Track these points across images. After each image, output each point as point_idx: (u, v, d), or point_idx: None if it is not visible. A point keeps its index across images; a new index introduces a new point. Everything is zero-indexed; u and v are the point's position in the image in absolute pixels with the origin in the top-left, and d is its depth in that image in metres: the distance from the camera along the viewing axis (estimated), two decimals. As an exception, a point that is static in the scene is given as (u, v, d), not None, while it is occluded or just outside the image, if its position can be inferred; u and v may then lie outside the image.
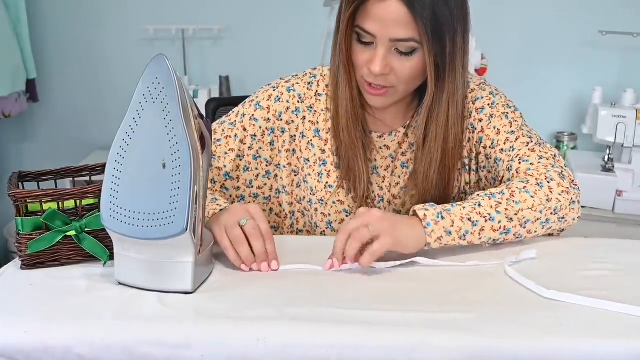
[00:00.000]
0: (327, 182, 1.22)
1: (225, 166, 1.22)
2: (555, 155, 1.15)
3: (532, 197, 1.07)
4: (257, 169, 1.24)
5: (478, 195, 1.08)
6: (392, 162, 1.23)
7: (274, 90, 1.23)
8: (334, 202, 1.22)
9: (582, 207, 2.23)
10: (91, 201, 0.99)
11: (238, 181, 1.24)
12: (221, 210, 1.05)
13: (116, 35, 2.73)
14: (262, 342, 0.80)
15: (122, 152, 0.90)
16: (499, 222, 1.05)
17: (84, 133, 2.81)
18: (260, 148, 1.23)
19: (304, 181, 1.24)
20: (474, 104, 1.20)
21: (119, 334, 0.82)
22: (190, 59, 2.71)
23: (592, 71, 2.52)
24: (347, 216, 1.23)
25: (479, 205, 1.05)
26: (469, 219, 1.03)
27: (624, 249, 1.10)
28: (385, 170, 1.23)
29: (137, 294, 0.91)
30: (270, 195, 1.27)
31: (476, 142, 1.20)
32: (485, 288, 0.95)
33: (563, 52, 2.54)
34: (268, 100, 1.22)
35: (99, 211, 0.92)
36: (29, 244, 0.97)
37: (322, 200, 1.22)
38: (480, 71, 2.35)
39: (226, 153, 1.21)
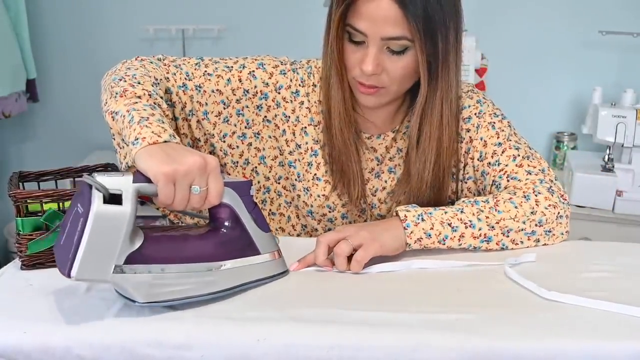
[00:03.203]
0: (315, 174, 1.20)
1: (206, 104, 1.16)
2: (544, 170, 1.15)
3: (515, 207, 1.08)
4: (235, 125, 1.19)
5: (463, 201, 1.10)
6: (378, 165, 1.23)
7: (282, 64, 1.20)
8: (318, 196, 1.21)
9: (582, 207, 2.24)
10: (91, 201, 0.99)
11: (214, 127, 1.18)
12: (165, 142, 0.88)
13: (116, 35, 2.73)
14: (263, 342, 0.80)
15: None
16: (480, 229, 1.06)
17: (84, 133, 2.80)
18: (247, 107, 1.18)
19: (290, 165, 1.21)
20: (461, 113, 1.19)
21: (119, 334, 0.82)
22: (190, 59, 2.71)
23: (592, 71, 2.52)
24: (329, 211, 1.22)
25: (462, 211, 1.07)
26: (449, 224, 1.05)
27: (623, 252, 1.10)
28: (369, 172, 1.23)
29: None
30: (237, 162, 1.22)
31: (465, 152, 1.19)
32: (486, 289, 0.95)
33: (563, 52, 2.54)
34: (274, 68, 1.19)
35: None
36: (29, 244, 0.97)
37: (308, 190, 1.21)
38: (480, 71, 2.35)
39: (213, 92, 1.15)
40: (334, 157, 1.18)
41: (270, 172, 1.23)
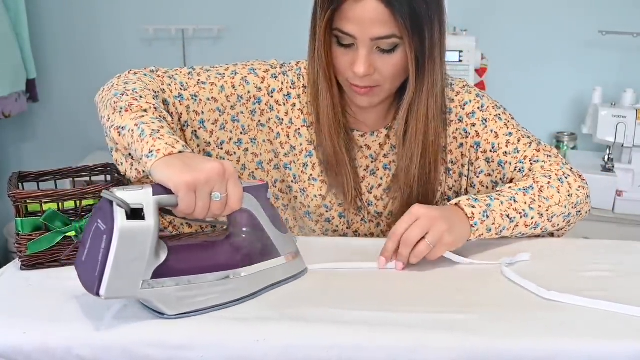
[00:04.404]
0: (311, 175, 1.21)
1: (202, 112, 1.15)
2: (557, 154, 1.19)
3: (558, 192, 1.11)
4: (231, 132, 1.18)
5: (511, 188, 1.10)
6: (373, 162, 1.23)
7: (272, 68, 1.20)
8: (315, 196, 1.21)
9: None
10: (91, 202, 0.99)
11: (211, 136, 1.17)
12: (180, 152, 0.89)
13: (116, 35, 2.73)
14: (262, 343, 0.80)
15: None
16: (532, 218, 1.08)
17: (84, 133, 2.80)
18: (242, 112, 1.18)
19: (285, 167, 1.22)
20: (463, 109, 1.20)
21: (119, 334, 0.82)
22: (190, 59, 2.71)
23: (592, 71, 2.52)
24: (326, 211, 1.22)
25: (515, 200, 1.08)
26: (508, 216, 1.06)
27: (623, 251, 1.10)
28: (364, 170, 1.23)
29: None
30: (235, 168, 1.22)
31: (471, 146, 1.19)
32: (486, 289, 0.95)
33: (563, 52, 2.54)
34: (265, 72, 1.19)
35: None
36: (29, 244, 0.97)
37: (304, 191, 1.21)
38: (480, 71, 2.35)
39: (208, 99, 1.15)
40: (326, 161, 1.19)
41: (267, 176, 1.24)
